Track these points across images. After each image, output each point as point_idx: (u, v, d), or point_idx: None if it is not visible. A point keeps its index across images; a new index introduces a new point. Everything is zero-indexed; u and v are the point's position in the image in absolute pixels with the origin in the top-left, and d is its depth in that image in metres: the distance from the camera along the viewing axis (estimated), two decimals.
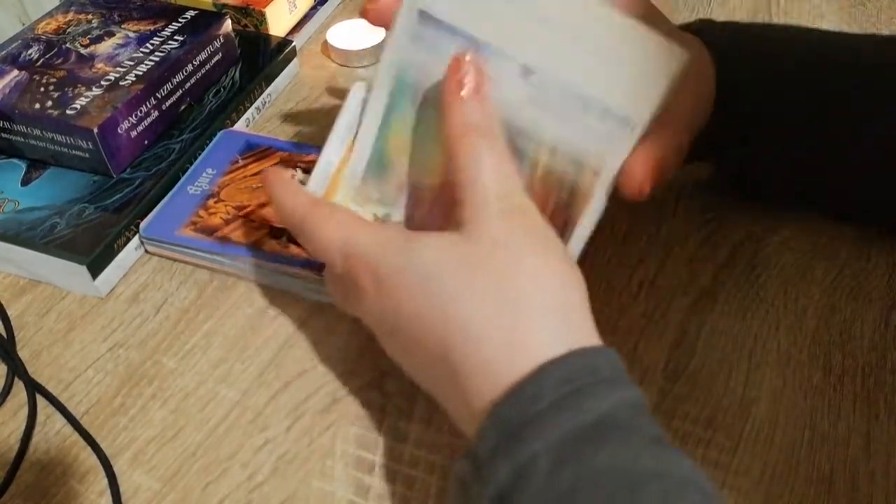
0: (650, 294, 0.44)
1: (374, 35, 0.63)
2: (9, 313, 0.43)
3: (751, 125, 0.42)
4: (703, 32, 0.41)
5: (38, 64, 0.51)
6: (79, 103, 0.47)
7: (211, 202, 0.47)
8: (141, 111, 0.49)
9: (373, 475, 0.36)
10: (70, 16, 0.56)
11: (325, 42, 0.64)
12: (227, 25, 0.56)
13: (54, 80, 0.49)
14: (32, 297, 0.45)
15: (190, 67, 0.53)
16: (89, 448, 0.37)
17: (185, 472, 0.36)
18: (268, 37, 0.61)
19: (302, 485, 0.36)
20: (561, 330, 0.29)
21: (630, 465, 0.25)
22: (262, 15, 0.62)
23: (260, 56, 0.59)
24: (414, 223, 0.37)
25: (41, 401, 0.39)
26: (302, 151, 0.51)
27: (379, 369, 0.40)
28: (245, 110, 0.56)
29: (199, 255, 0.45)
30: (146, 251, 0.47)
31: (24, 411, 0.39)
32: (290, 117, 0.58)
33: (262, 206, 0.47)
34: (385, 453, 0.37)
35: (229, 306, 0.44)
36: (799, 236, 0.47)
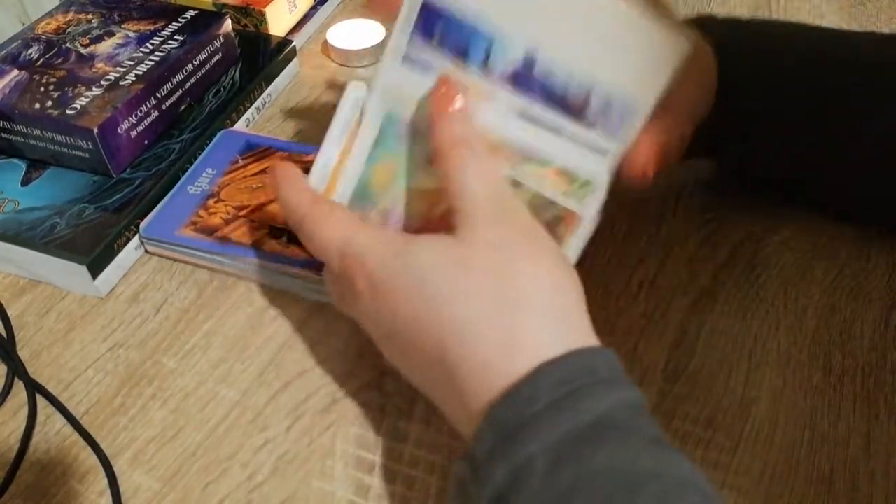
0: (650, 294, 0.44)
1: (374, 35, 0.63)
2: (9, 313, 0.43)
3: (750, 121, 0.42)
4: (704, 26, 0.41)
5: (38, 64, 0.51)
6: (79, 103, 0.47)
7: (211, 202, 0.47)
8: (141, 111, 0.49)
9: (373, 475, 0.36)
10: (70, 16, 0.56)
11: (325, 42, 0.64)
12: (227, 25, 0.56)
13: (54, 79, 0.49)
14: (32, 297, 0.45)
15: (190, 67, 0.53)
16: (89, 448, 0.37)
17: (185, 472, 0.36)
18: (268, 37, 0.61)
19: (302, 485, 0.36)
20: (558, 330, 0.29)
21: (628, 466, 0.25)
22: (262, 15, 0.62)
23: (260, 56, 0.59)
24: None
25: (41, 401, 0.39)
26: (302, 151, 0.51)
27: (379, 369, 0.40)
28: (245, 110, 0.56)
29: (199, 255, 0.45)
30: (146, 251, 0.47)
31: (24, 411, 0.39)
32: (290, 117, 0.58)
33: (263, 205, 0.47)
34: (385, 453, 0.37)
35: (229, 306, 0.44)
36: (799, 236, 0.47)
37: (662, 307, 0.43)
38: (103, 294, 0.44)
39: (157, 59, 0.51)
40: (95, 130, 0.46)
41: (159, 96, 0.50)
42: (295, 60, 0.62)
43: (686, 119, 0.38)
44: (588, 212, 0.35)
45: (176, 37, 0.53)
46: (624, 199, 0.48)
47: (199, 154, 0.51)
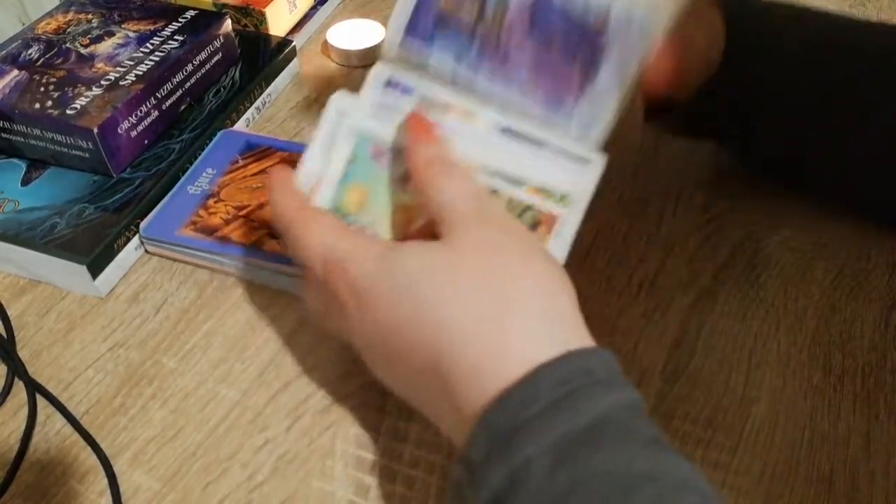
0: (650, 294, 0.44)
1: (374, 35, 0.63)
2: (9, 313, 0.43)
3: (754, 100, 0.42)
4: None
5: (38, 64, 0.51)
6: (79, 103, 0.47)
7: (211, 202, 0.47)
8: (141, 111, 0.49)
9: (373, 475, 0.36)
10: (70, 16, 0.56)
11: (325, 42, 0.64)
12: (227, 25, 0.56)
13: (54, 79, 0.49)
14: (32, 297, 0.45)
15: (190, 67, 0.53)
16: (89, 448, 0.37)
17: (185, 472, 0.36)
18: (268, 37, 0.61)
19: (302, 485, 0.36)
20: (552, 332, 0.28)
21: (625, 469, 0.25)
22: (262, 15, 0.62)
23: (260, 56, 0.59)
24: None
25: (41, 401, 0.39)
26: (302, 151, 0.51)
27: None
28: (245, 110, 0.56)
29: (199, 255, 0.45)
30: (146, 251, 0.47)
31: (24, 411, 0.39)
32: (290, 117, 0.58)
33: (262, 206, 0.47)
34: (385, 453, 0.37)
35: (229, 306, 0.44)
36: (799, 236, 0.47)
37: (662, 307, 0.43)
38: (103, 294, 0.44)
39: (157, 59, 0.51)
40: (95, 130, 0.46)
41: (159, 96, 0.50)
42: (295, 60, 0.62)
43: (698, 57, 0.39)
44: (567, 215, 0.35)
45: (176, 37, 0.53)
46: (624, 200, 0.49)
47: (199, 154, 0.51)
